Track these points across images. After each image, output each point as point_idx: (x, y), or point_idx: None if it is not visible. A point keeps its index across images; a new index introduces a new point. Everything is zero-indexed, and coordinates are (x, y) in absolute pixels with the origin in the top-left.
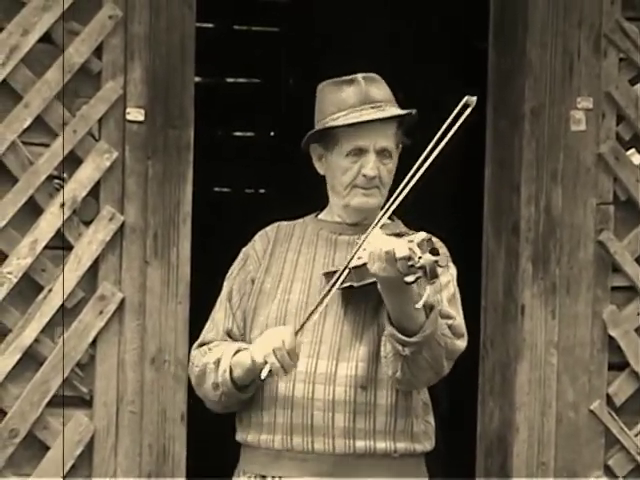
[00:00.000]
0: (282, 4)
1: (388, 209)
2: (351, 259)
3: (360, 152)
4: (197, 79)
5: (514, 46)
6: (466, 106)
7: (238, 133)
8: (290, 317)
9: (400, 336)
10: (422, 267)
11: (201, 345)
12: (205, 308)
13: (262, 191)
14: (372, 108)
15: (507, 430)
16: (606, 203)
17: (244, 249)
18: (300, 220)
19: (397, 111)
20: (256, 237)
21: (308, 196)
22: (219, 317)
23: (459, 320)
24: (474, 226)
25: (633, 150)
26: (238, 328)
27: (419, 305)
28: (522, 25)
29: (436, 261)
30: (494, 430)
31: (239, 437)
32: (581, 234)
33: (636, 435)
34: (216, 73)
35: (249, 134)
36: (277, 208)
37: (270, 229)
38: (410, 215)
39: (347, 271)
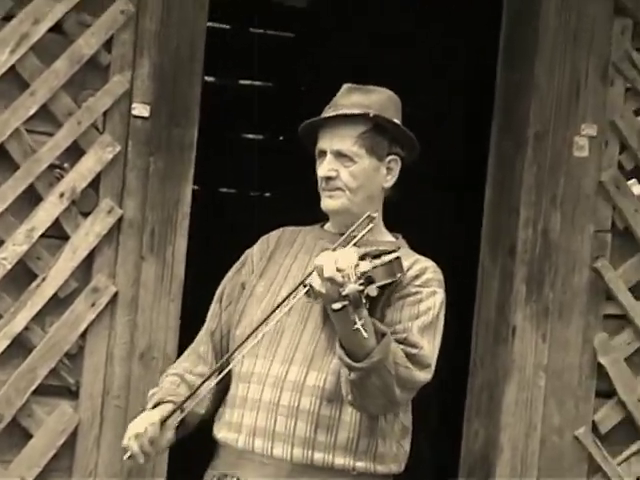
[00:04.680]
0: (298, 10)
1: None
2: (309, 275)
3: (323, 155)
4: (210, 79)
5: (522, 68)
6: (370, 219)
7: (249, 135)
8: (273, 321)
9: (347, 360)
10: (346, 296)
11: (190, 348)
12: (198, 307)
13: (267, 194)
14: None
15: (491, 450)
16: (604, 231)
17: (247, 251)
18: (308, 227)
19: (343, 111)
20: (259, 240)
21: (312, 202)
22: (208, 317)
23: (426, 351)
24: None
25: (634, 180)
26: (221, 331)
27: (360, 330)
28: (532, 48)
29: (362, 291)
30: (478, 449)
31: (214, 433)
32: (577, 260)
33: (619, 464)
34: (229, 75)
35: (259, 137)
36: (280, 212)
37: (274, 233)
38: (411, 230)
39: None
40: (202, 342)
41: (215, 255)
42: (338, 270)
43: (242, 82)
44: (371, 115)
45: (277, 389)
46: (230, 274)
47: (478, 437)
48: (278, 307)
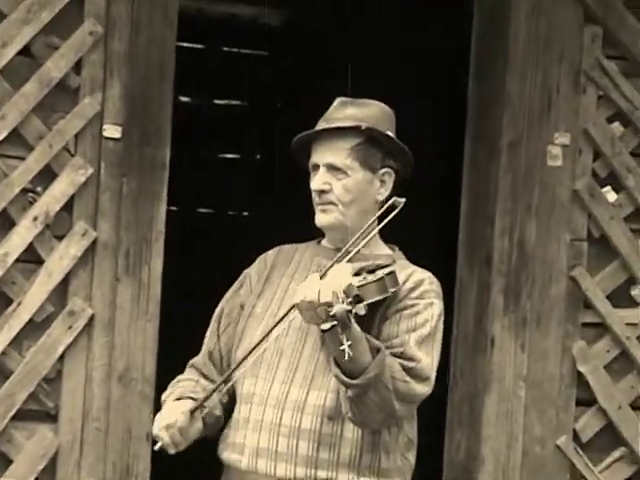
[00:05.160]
0: (272, 28)
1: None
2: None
3: (317, 168)
4: (185, 99)
5: (494, 78)
6: (394, 207)
7: (228, 155)
8: (271, 342)
9: (343, 377)
10: (334, 316)
11: (190, 365)
12: (177, 327)
13: (245, 214)
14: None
15: (473, 461)
16: (580, 239)
17: (245, 271)
18: (304, 244)
19: (336, 125)
20: (257, 260)
21: (291, 221)
22: (207, 337)
23: (425, 363)
24: (450, 255)
25: (608, 188)
26: (220, 351)
27: (345, 351)
28: (502, 58)
29: (350, 310)
30: (460, 461)
31: (218, 453)
32: (553, 269)
33: (601, 472)
34: (204, 95)
35: (235, 156)
36: (259, 231)
37: (272, 252)
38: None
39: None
40: (203, 364)
41: (194, 275)
42: (329, 290)
43: (217, 102)
44: (363, 128)
45: (278, 409)
46: (228, 295)
47: (460, 449)
48: (272, 329)
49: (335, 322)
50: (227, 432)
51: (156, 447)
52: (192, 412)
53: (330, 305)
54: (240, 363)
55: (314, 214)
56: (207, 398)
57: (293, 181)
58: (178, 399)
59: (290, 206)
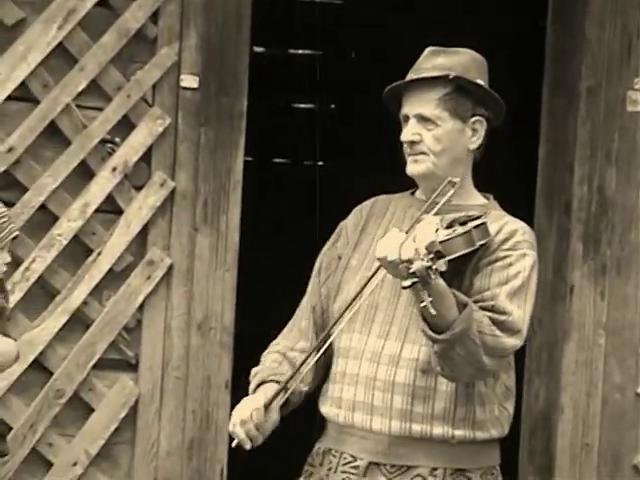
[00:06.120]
0: None
1: (427, 207)
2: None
3: (407, 119)
4: (259, 49)
5: (572, 25)
6: (452, 184)
7: (302, 105)
8: (366, 295)
9: (429, 332)
10: (413, 273)
11: (289, 328)
12: (253, 276)
13: (321, 163)
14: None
15: (552, 410)
16: None
17: (342, 222)
18: (398, 195)
19: (424, 75)
20: (353, 211)
21: (365, 169)
22: (308, 292)
23: (516, 316)
24: (528, 203)
25: None
26: (321, 305)
27: (427, 307)
28: (581, 4)
29: (430, 267)
30: (539, 409)
31: (319, 407)
32: (633, 215)
33: None
34: (278, 45)
35: (309, 106)
36: (335, 181)
37: (367, 203)
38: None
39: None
40: (303, 317)
41: (271, 225)
42: (411, 247)
43: (291, 51)
44: (451, 77)
45: (374, 363)
46: (325, 248)
47: (539, 398)
48: (364, 287)
49: (415, 279)
50: (326, 386)
51: (233, 444)
52: (267, 406)
53: (410, 262)
54: (323, 339)
55: (393, 163)
56: (282, 389)
57: (368, 131)
58: (262, 383)
59: (365, 156)
